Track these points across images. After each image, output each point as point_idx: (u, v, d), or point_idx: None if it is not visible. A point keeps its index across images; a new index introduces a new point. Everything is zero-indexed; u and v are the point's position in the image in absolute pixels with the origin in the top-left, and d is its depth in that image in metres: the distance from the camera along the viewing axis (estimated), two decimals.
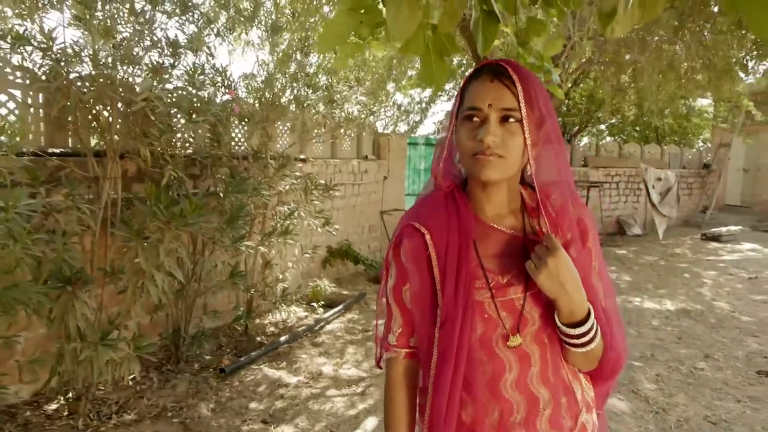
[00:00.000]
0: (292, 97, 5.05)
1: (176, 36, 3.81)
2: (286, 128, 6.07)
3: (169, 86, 3.58)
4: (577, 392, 1.28)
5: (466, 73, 2.12)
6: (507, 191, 1.25)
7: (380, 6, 1.39)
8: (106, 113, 3.40)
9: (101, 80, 3.29)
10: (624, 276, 8.68)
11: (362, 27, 1.40)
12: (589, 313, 1.18)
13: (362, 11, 1.37)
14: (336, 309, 6.04)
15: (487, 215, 1.28)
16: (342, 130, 5.98)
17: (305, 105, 4.89)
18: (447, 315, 1.20)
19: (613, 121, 17.82)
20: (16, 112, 3.87)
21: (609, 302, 1.29)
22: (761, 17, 1.17)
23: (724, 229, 12.74)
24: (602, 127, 18.59)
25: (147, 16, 3.51)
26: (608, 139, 18.73)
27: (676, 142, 18.15)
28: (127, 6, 3.32)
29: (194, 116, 3.47)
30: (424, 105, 13.00)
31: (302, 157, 6.38)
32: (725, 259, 10.49)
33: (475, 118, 1.18)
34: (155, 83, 3.32)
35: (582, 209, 1.29)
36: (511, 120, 1.16)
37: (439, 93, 13.99)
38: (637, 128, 17.26)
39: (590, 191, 11.45)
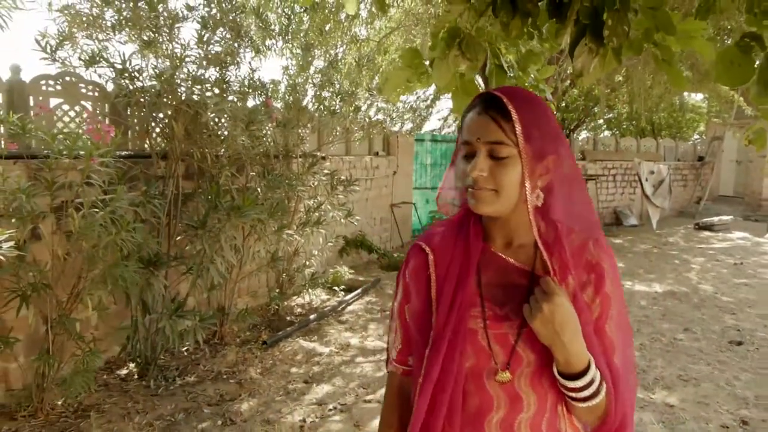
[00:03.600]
0: (318, 104, 5.71)
1: (226, 53, 4.41)
2: (307, 130, 6.74)
3: (226, 99, 4.22)
4: None
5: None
6: (513, 224, 1.21)
7: (425, 62, 2.04)
8: (174, 123, 4.04)
9: (171, 96, 3.94)
10: (618, 263, 9.18)
11: (413, 76, 2.06)
12: (588, 366, 1.11)
13: (413, 66, 2.03)
14: (356, 292, 6.71)
15: (496, 244, 1.24)
16: (361, 133, 6.63)
17: (334, 112, 5.54)
18: (435, 338, 1.18)
19: (610, 116, 18.47)
20: (88, 120, 4.52)
21: (625, 354, 1.21)
22: (675, 75, 1.83)
23: (716, 218, 13.39)
24: (600, 121, 19.20)
25: (205, 39, 4.16)
26: (606, 133, 19.35)
27: (671, 135, 18.75)
28: (195, 34, 3.97)
29: (250, 125, 4.14)
30: (428, 102, 13.60)
31: (322, 155, 7.03)
32: (715, 246, 11.14)
33: (468, 152, 1.17)
34: (217, 98, 3.98)
35: (602, 252, 1.21)
36: (500, 154, 1.13)
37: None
38: (633, 122, 17.88)
39: (587, 183, 12.10)
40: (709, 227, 13.11)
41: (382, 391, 4.21)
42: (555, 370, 1.13)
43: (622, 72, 10.04)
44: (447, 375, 1.16)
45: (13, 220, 3.12)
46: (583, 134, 18.83)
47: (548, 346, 1.11)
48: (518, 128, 1.12)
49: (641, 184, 12.51)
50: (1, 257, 2.55)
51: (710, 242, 11.61)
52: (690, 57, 8.30)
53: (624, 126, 18.92)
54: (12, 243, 2.51)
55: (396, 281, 1.37)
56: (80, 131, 3.00)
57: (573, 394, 1.12)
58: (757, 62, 1.66)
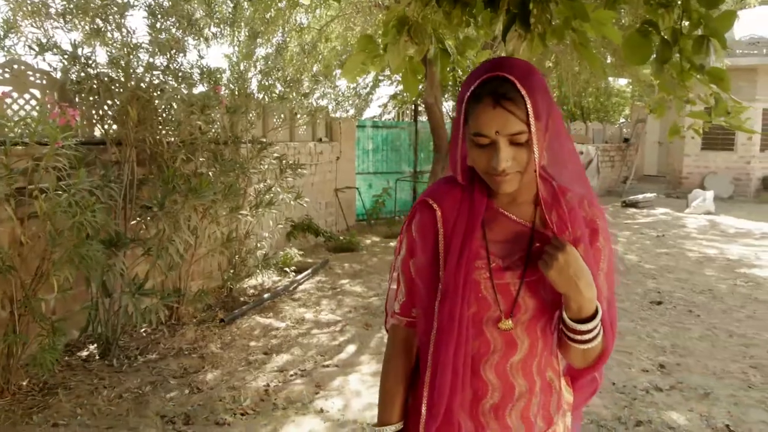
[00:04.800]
0: (264, 91, 5.89)
1: (176, 41, 4.55)
2: (253, 116, 6.88)
3: (180, 86, 4.37)
4: (555, 392, 1.32)
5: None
6: (520, 184, 1.24)
7: (379, 47, 2.32)
8: (129, 108, 4.16)
9: (125, 82, 4.06)
10: None
11: (368, 59, 2.33)
12: (597, 311, 1.21)
13: (367, 51, 2.30)
14: (306, 272, 6.95)
15: (500, 201, 1.30)
16: (306, 119, 6.84)
17: (282, 97, 5.74)
18: (447, 289, 1.24)
19: None
20: (38, 107, 4.57)
21: (611, 304, 1.32)
22: (590, 57, 2.17)
23: (641, 196, 14.25)
24: None
25: (157, 27, 4.29)
26: None
27: (599, 119, 19.69)
28: (148, 22, 4.10)
29: (205, 109, 4.30)
30: (368, 90, 13.88)
31: (268, 141, 7.20)
32: (640, 221, 11.93)
33: (484, 142, 1.18)
34: (172, 84, 4.13)
35: (596, 210, 1.31)
36: (520, 140, 1.17)
37: (381, 79, 15.06)
38: (565, 106, 18.67)
39: None
40: (634, 204, 13.95)
41: (339, 357, 4.52)
42: (565, 316, 1.23)
43: (552, 58, 10.59)
44: (462, 323, 1.23)
45: None
46: None
47: (564, 293, 1.19)
48: (531, 112, 1.15)
49: None
50: None
51: (636, 218, 12.40)
52: (612, 44, 8.88)
53: None
54: None
55: (399, 236, 1.42)
56: (39, 115, 3.12)
57: (579, 337, 1.22)
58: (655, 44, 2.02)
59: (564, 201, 1.28)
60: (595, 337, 1.22)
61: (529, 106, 1.14)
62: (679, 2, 1.92)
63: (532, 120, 1.15)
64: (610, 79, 15.96)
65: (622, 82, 18.76)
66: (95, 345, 4.50)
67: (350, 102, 8.18)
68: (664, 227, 11.09)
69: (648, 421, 3.50)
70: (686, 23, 1.90)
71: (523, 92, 1.14)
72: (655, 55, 2.00)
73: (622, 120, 21.56)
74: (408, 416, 1.37)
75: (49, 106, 4.58)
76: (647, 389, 3.92)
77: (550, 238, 1.23)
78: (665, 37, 1.95)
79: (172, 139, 4.88)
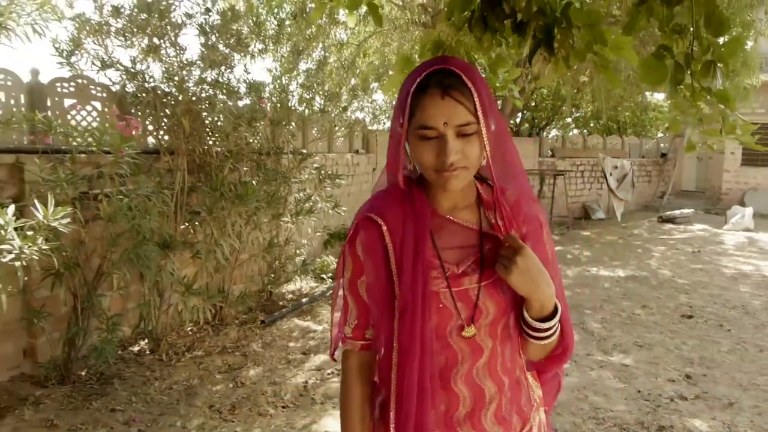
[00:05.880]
0: (305, 104, 6.19)
1: (226, 57, 4.87)
2: (293, 127, 7.20)
3: (229, 99, 4.68)
4: (523, 389, 1.32)
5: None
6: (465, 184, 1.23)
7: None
8: (183, 120, 4.48)
9: (181, 96, 4.39)
10: (585, 252, 9.95)
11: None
12: (556, 307, 1.22)
13: (406, 71, 2.54)
14: None
15: (443, 208, 1.28)
16: (345, 131, 7.13)
17: (324, 111, 6.04)
18: (405, 305, 1.19)
19: (578, 114, 19.24)
20: (98, 119, 4.94)
21: (562, 294, 1.31)
22: (609, 76, 2.36)
23: (678, 212, 14.14)
24: (568, 120, 19.97)
25: (209, 43, 4.62)
26: (575, 131, 20.10)
27: (636, 133, 19.57)
28: (201, 40, 4.43)
29: (252, 122, 4.61)
30: None
31: (308, 153, 7.51)
32: (676, 237, 11.86)
33: (431, 135, 1.15)
34: (224, 97, 4.45)
35: (535, 205, 1.31)
36: (468, 131, 1.15)
37: None
38: (600, 121, 18.63)
39: (556, 179, 12.74)
40: (671, 220, 13.85)
41: None
42: (527, 316, 1.22)
43: (587, 72, 10.71)
44: (424, 339, 1.19)
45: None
46: (553, 132, 19.58)
47: (527, 296, 1.19)
48: (478, 103, 1.14)
49: (606, 178, 13.21)
50: (64, 230, 2.98)
51: (672, 233, 12.33)
52: None
53: (591, 125, 19.69)
54: (69, 220, 2.95)
55: (341, 256, 1.35)
56: (107, 126, 3.44)
57: (541, 334, 1.23)
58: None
59: (504, 199, 1.28)
60: (554, 333, 1.25)
61: (476, 97, 1.14)
62: (691, 29, 2.10)
63: (479, 112, 1.14)
64: (647, 93, 15.94)
65: (659, 96, 18.64)
66: (146, 341, 4.81)
67: (386, 115, 8.40)
68: (700, 243, 11.02)
69: (670, 426, 3.61)
70: (696, 48, 2.08)
71: (470, 84, 1.14)
72: (669, 78, 2.18)
73: (660, 134, 21.39)
74: None
75: (108, 117, 4.99)
76: (672, 397, 4.02)
77: (500, 239, 1.23)
78: (678, 60, 2.13)
79: (220, 149, 5.20)
